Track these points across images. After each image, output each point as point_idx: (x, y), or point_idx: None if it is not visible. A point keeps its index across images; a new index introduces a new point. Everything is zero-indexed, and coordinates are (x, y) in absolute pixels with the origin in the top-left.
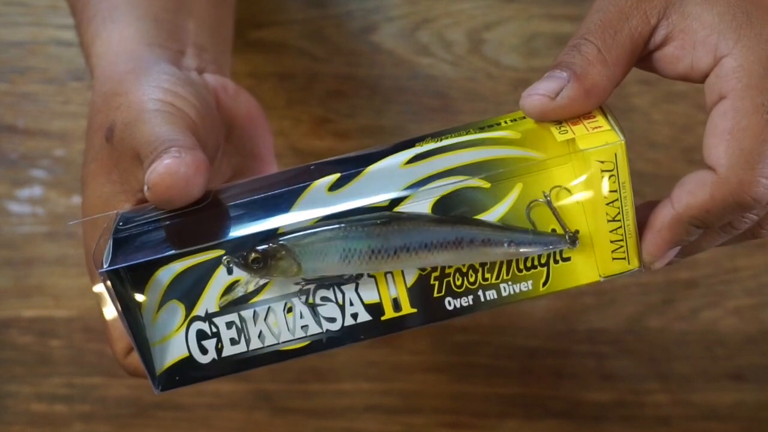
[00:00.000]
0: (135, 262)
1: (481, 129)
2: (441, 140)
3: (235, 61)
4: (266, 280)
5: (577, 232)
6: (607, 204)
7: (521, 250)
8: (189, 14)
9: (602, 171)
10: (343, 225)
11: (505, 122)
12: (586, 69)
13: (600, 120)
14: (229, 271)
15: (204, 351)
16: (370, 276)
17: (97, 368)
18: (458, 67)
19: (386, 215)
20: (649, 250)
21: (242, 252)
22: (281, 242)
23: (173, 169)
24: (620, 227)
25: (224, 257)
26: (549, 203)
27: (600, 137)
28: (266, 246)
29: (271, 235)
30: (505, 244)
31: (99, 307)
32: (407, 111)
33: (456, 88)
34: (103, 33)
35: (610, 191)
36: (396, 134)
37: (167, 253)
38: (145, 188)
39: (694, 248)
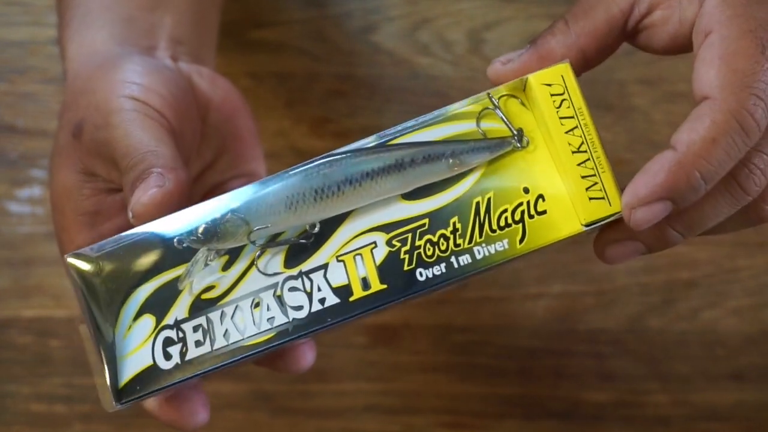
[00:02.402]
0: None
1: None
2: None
3: (235, 61)
4: (223, 250)
5: (521, 130)
6: (567, 132)
7: (466, 159)
8: (167, 9)
9: (552, 95)
10: (284, 173)
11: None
12: (546, 38)
13: None
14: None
15: (168, 357)
16: (324, 226)
17: None
18: (458, 67)
19: (323, 156)
20: (636, 190)
21: (191, 229)
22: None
23: (158, 200)
24: (588, 159)
25: (175, 239)
26: (495, 106)
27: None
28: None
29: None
30: (449, 158)
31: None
32: (407, 111)
33: (456, 88)
34: (77, 37)
35: (566, 117)
36: None
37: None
38: (129, 214)
39: (698, 220)
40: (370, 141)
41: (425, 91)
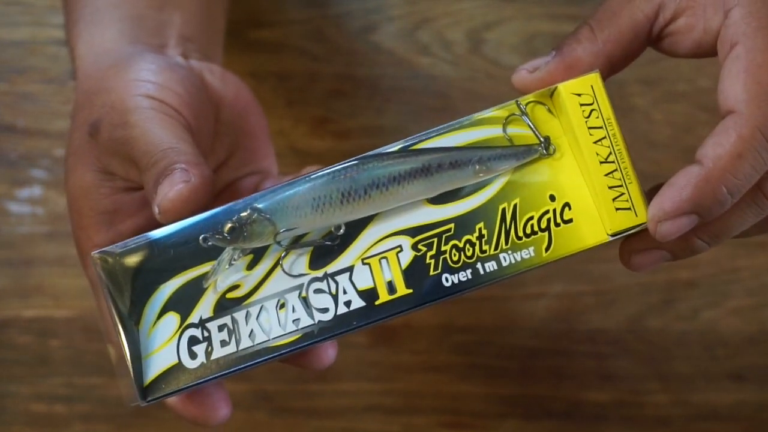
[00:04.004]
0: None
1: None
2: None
3: (235, 61)
4: (248, 249)
5: (548, 137)
6: (595, 142)
7: (493, 165)
8: (176, 8)
9: (581, 105)
10: (311, 175)
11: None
12: (572, 46)
13: None
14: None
15: (193, 356)
16: (348, 228)
17: (97, 368)
18: (458, 67)
19: (351, 159)
20: (662, 204)
21: (216, 226)
22: (253, 205)
23: (184, 195)
24: (616, 170)
25: (201, 236)
26: (523, 112)
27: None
28: (238, 213)
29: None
30: (476, 164)
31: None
32: (407, 111)
33: (456, 88)
34: (86, 35)
35: (595, 127)
36: (396, 134)
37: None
38: (156, 210)
39: (724, 229)
40: (395, 145)
41: (425, 91)
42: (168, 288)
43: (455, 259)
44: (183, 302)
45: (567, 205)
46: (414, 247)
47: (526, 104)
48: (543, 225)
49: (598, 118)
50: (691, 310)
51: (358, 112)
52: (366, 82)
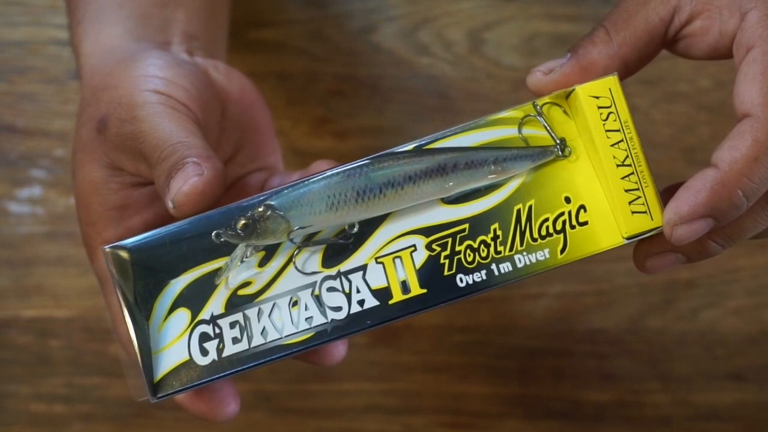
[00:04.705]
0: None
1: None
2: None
3: (235, 61)
4: (260, 246)
5: (563, 139)
6: (612, 146)
7: (508, 166)
8: (179, 5)
9: (599, 108)
10: (326, 173)
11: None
12: (588, 48)
13: None
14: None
15: (205, 353)
16: (363, 227)
17: (97, 368)
18: (458, 67)
19: (367, 158)
20: (679, 208)
21: (230, 222)
22: (267, 202)
23: (199, 189)
24: (632, 173)
25: (213, 232)
26: (539, 113)
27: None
28: (252, 210)
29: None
30: (491, 164)
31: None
32: (407, 111)
33: (456, 88)
34: (91, 33)
35: (612, 131)
36: (396, 134)
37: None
38: (170, 204)
39: (739, 232)
40: (410, 144)
41: (425, 91)
42: (179, 283)
43: (470, 259)
44: (194, 298)
45: (582, 207)
46: (428, 246)
47: (542, 105)
48: (558, 227)
49: (615, 121)
50: (691, 310)
51: (358, 112)
52: (366, 82)
